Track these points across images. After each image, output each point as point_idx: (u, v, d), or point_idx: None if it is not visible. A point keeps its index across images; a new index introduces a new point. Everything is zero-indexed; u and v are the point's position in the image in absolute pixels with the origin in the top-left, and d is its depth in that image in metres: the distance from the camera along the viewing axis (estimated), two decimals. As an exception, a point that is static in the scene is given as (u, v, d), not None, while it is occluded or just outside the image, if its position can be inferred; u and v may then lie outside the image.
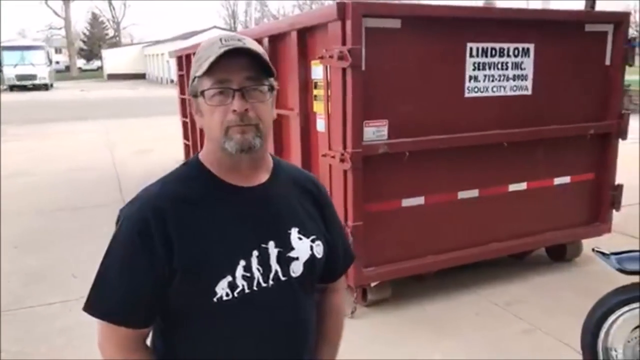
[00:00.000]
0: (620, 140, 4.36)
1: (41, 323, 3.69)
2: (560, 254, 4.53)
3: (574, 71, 4.14)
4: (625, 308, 2.57)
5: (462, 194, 3.89)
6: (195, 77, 1.15)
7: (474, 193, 3.93)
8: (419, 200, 3.74)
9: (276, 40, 4.34)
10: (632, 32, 4.56)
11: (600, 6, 6.63)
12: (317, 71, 3.74)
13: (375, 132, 3.48)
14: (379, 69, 3.43)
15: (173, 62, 9.26)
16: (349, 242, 1.48)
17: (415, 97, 3.61)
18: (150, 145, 10.91)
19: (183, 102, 8.29)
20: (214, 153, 1.18)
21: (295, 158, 4.12)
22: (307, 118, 4.00)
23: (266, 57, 1.15)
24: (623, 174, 4.63)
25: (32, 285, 4.31)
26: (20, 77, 32.80)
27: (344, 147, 3.42)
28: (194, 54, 6.05)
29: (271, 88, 1.17)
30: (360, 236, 3.45)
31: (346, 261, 1.44)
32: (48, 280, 4.42)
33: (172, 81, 34.02)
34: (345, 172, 3.46)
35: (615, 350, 2.62)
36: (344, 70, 3.33)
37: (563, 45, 4.05)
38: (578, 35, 4.10)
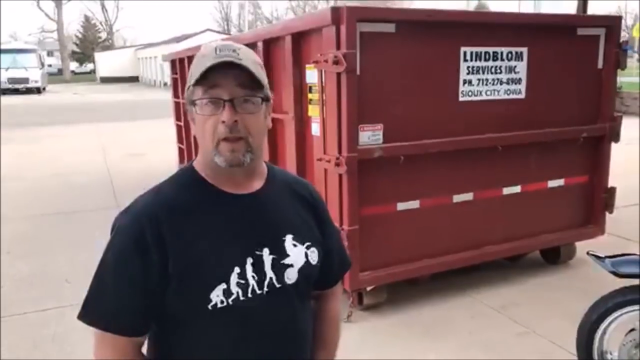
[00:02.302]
0: (612, 143, 4.39)
1: (34, 329, 3.66)
2: (555, 257, 4.56)
3: (567, 74, 4.17)
4: (621, 311, 2.58)
5: (457, 198, 3.90)
6: (189, 86, 1.15)
7: (468, 196, 3.94)
8: (414, 204, 3.75)
9: (270, 44, 4.33)
10: (623, 35, 4.61)
11: (592, 8, 6.70)
12: (312, 75, 3.74)
13: (371, 136, 3.49)
14: (374, 73, 3.43)
15: (167, 65, 9.23)
16: (345, 249, 1.48)
17: (410, 101, 3.62)
18: (143, 149, 10.87)
19: (177, 105, 8.28)
20: (208, 162, 1.18)
21: (290, 162, 4.11)
22: (301, 122, 4.00)
23: (259, 69, 1.15)
24: (617, 176, 4.66)
25: (24, 291, 4.28)
26: (13, 81, 32.55)
27: (339, 151, 3.43)
28: (188, 57, 6.00)
29: (264, 99, 1.16)
30: (355, 240, 3.45)
31: (342, 267, 1.44)
32: (41, 286, 4.38)
33: (165, 84, 33.98)
34: (340, 176, 3.46)
35: (611, 353, 2.63)
36: (338, 74, 3.33)
37: (556, 48, 4.08)
38: (570, 39, 4.13)
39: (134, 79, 46.86)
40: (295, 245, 1.22)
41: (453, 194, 3.89)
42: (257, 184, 1.23)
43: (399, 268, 3.75)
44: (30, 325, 3.72)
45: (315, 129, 3.81)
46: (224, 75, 1.11)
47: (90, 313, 1.14)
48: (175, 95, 8.28)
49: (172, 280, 1.11)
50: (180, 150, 8.43)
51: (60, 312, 3.86)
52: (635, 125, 10.20)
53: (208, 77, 1.10)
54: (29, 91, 32.66)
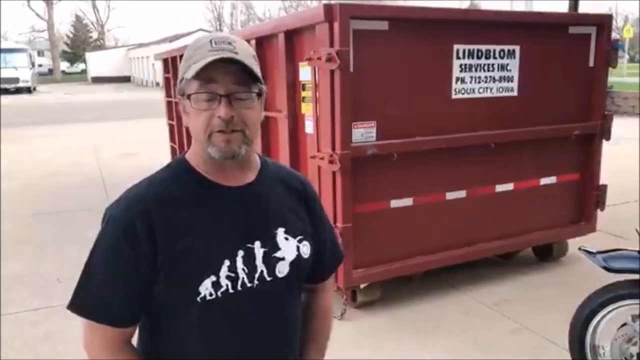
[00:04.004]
0: (604, 140, 4.42)
1: (25, 329, 3.63)
2: (547, 254, 4.58)
3: (559, 73, 4.19)
4: (612, 306, 2.60)
5: (450, 195, 3.92)
6: (183, 78, 1.14)
7: (461, 194, 3.96)
8: (408, 202, 3.75)
9: (263, 42, 4.33)
10: (613, 35, 4.64)
11: (583, 8, 6.75)
12: (305, 73, 3.74)
13: (364, 133, 3.49)
14: (367, 70, 3.43)
15: (158, 65, 9.19)
16: (338, 242, 1.47)
17: (403, 98, 3.63)
18: (135, 149, 10.82)
19: (169, 104, 8.24)
20: (200, 153, 1.17)
21: (283, 160, 4.10)
22: (295, 120, 3.99)
23: (254, 63, 1.15)
24: (608, 174, 4.69)
25: (15, 291, 4.24)
26: (3, 81, 32.24)
27: (333, 149, 3.42)
28: (180, 56, 5.95)
29: (259, 93, 1.16)
30: (349, 238, 3.45)
31: (335, 261, 1.43)
32: (32, 285, 4.34)
33: (157, 84, 33.83)
34: (334, 173, 3.46)
35: (603, 348, 2.65)
36: (332, 72, 3.33)
37: (548, 47, 4.10)
38: (562, 37, 4.15)
39: (125, 79, 46.61)
40: (287, 239, 1.22)
41: (446, 191, 3.90)
42: (250, 176, 1.22)
43: (392, 265, 3.75)
44: (21, 325, 3.68)
45: (309, 126, 3.80)
46: (221, 71, 1.09)
47: (80, 303, 1.13)
48: (168, 94, 8.23)
49: (161, 272, 1.11)
50: (173, 150, 8.39)
51: (51, 311, 3.82)
52: (623, 125, 10.28)
53: (204, 71, 1.09)
54: (19, 91, 32.38)
